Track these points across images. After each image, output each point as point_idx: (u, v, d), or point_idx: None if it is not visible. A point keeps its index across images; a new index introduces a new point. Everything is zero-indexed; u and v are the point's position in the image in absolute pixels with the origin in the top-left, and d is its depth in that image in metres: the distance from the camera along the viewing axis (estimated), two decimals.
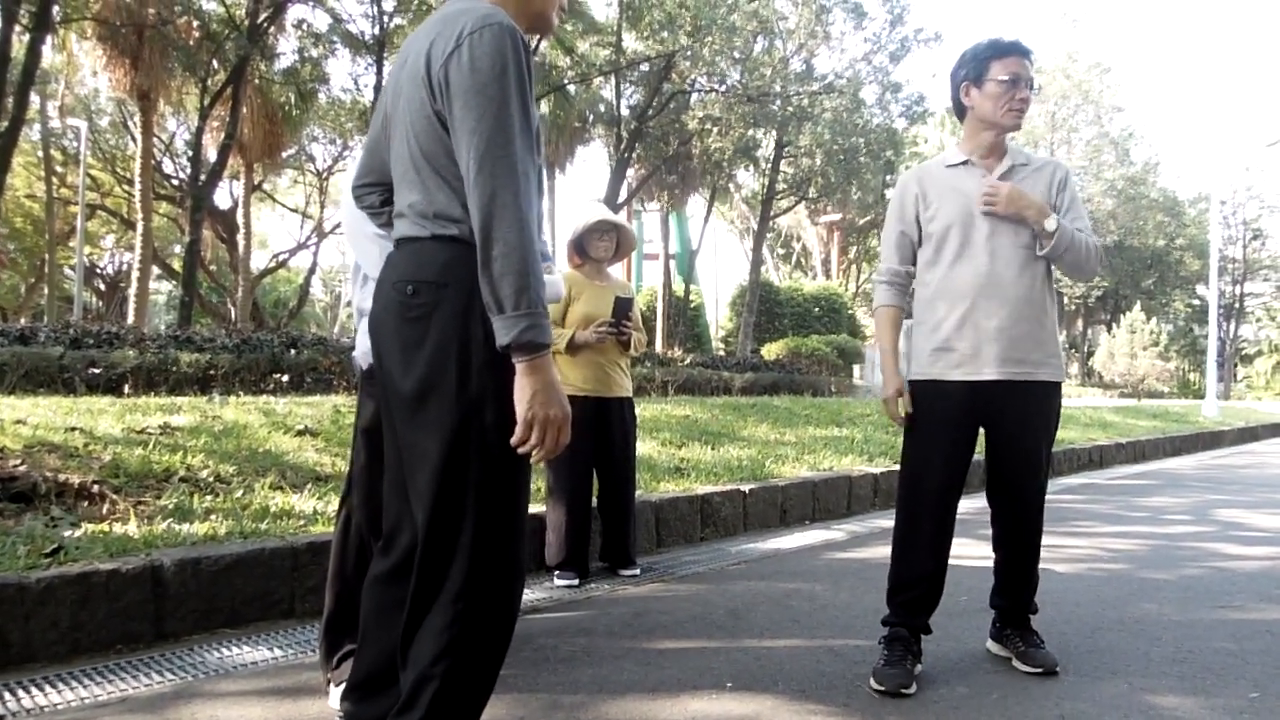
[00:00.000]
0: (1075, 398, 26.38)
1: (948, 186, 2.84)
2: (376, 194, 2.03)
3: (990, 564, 2.98)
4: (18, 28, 11.40)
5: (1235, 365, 47.75)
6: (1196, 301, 45.82)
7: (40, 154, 24.86)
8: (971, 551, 4.17)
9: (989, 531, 2.96)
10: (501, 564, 1.75)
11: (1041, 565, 2.97)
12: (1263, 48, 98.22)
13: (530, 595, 3.63)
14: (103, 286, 33.90)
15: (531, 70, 1.71)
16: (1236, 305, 46.32)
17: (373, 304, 1.88)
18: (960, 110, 2.89)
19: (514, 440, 1.67)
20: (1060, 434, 8.66)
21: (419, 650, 1.73)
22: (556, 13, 1.92)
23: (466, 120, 1.63)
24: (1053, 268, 2.86)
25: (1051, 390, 2.83)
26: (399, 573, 1.86)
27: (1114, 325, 40.04)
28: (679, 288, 29.29)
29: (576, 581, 3.93)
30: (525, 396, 1.65)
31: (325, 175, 29.28)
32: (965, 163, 2.85)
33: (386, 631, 1.89)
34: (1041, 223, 2.71)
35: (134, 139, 21.90)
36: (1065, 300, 40.78)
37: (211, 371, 8.33)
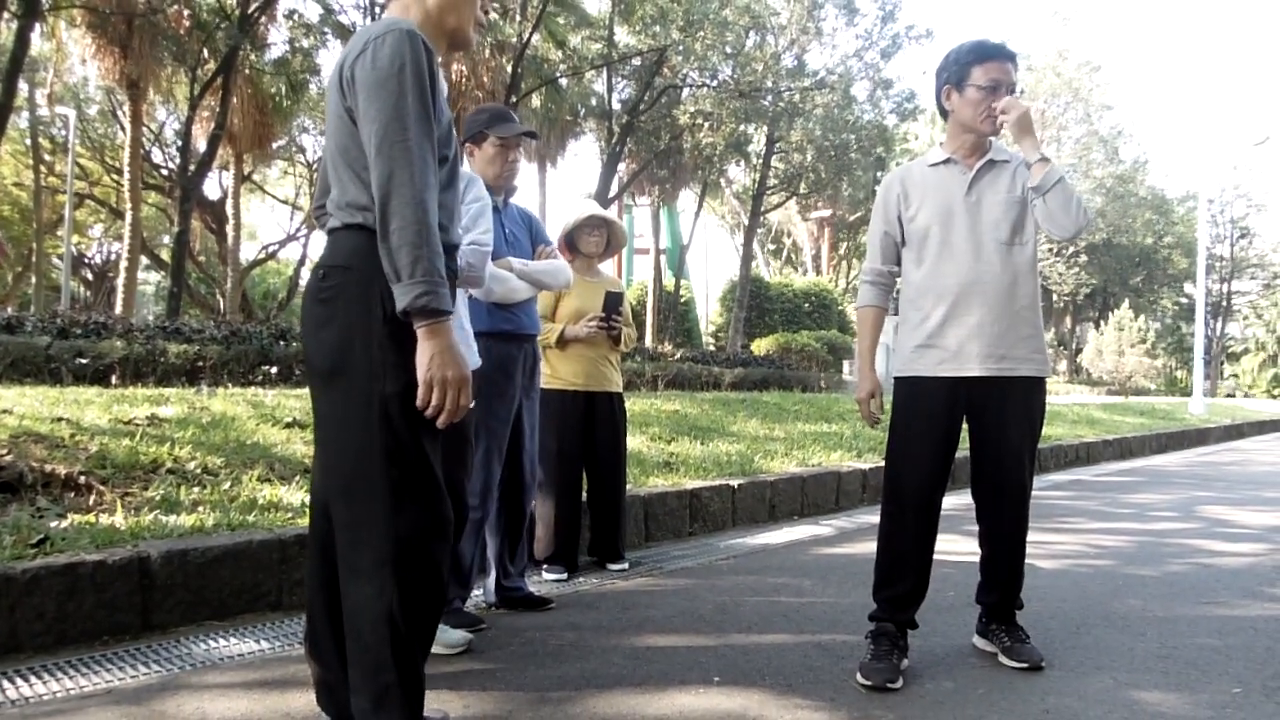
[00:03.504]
0: (1063, 394, 26.47)
1: (929, 186, 2.87)
2: None
3: (976, 560, 3.00)
4: (6, 14, 11.31)
5: (1222, 363, 47.98)
6: (1184, 299, 45.98)
7: (28, 142, 24.70)
8: (958, 547, 4.19)
9: (976, 527, 2.97)
10: (420, 525, 1.85)
11: (1027, 561, 2.99)
12: (1251, 47, 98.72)
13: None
14: (90, 276, 33.68)
15: (434, 70, 1.86)
16: (1224, 303, 46.49)
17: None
18: (944, 111, 2.90)
19: (418, 403, 1.79)
20: (1047, 430, 8.72)
21: (359, 622, 1.84)
22: (474, 29, 2.04)
23: (369, 111, 1.78)
24: (1036, 264, 2.86)
25: (1035, 385, 2.84)
26: (327, 544, 1.96)
27: (1102, 323, 40.15)
28: (669, 283, 29.23)
29: (565, 576, 3.94)
30: (424, 360, 1.77)
31: (315, 167, 29.06)
32: (947, 161, 2.87)
33: (326, 605, 2.01)
34: (1038, 149, 2.69)
35: (123, 128, 21.76)
36: (1054, 298, 40.86)
37: (200, 363, 8.29)
